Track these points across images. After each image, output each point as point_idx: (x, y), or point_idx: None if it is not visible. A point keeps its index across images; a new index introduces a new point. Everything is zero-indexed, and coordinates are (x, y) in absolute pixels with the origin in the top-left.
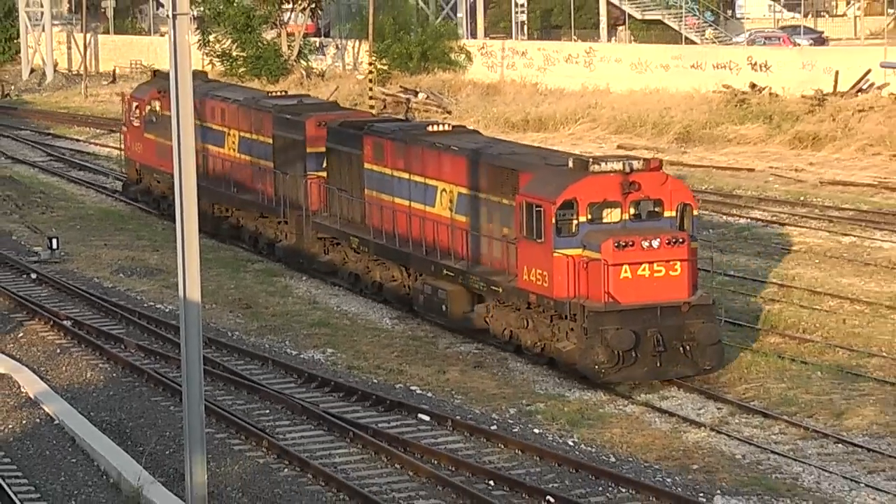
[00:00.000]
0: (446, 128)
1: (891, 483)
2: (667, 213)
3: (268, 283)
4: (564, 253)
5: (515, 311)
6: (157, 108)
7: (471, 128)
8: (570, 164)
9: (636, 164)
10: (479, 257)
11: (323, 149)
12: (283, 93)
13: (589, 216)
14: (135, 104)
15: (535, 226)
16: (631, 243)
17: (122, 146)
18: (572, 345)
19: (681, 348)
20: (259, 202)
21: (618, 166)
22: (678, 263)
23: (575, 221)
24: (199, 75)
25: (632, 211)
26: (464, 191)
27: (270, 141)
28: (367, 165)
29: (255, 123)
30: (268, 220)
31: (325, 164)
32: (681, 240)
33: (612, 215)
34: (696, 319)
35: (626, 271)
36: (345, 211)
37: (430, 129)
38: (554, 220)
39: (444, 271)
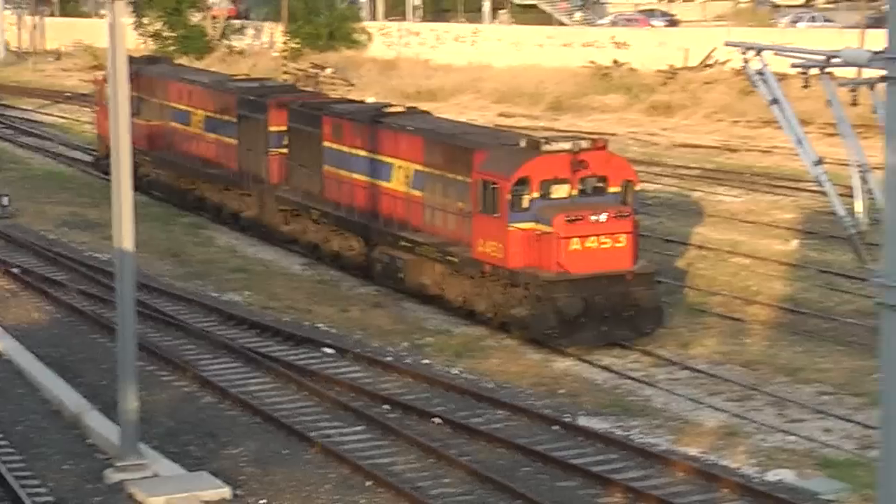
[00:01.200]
0: (401, 109)
1: (728, 403)
2: (611, 189)
3: (193, 235)
4: (518, 227)
5: (470, 280)
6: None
7: (422, 109)
8: (523, 144)
9: (584, 144)
10: (434, 229)
11: (284, 127)
12: (246, 76)
13: (540, 192)
14: (106, 85)
15: (490, 201)
16: (580, 217)
17: (95, 124)
18: (525, 311)
19: (624, 313)
20: (224, 176)
21: (567, 146)
22: (623, 236)
23: (528, 197)
24: (165, 60)
25: (580, 187)
26: (420, 167)
27: (235, 120)
28: (325, 143)
29: (220, 104)
30: (231, 193)
31: (285, 142)
32: (626, 214)
33: (561, 191)
34: (639, 287)
35: (575, 243)
36: (305, 185)
37: (385, 110)
38: (509, 196)
39: (402, 242)
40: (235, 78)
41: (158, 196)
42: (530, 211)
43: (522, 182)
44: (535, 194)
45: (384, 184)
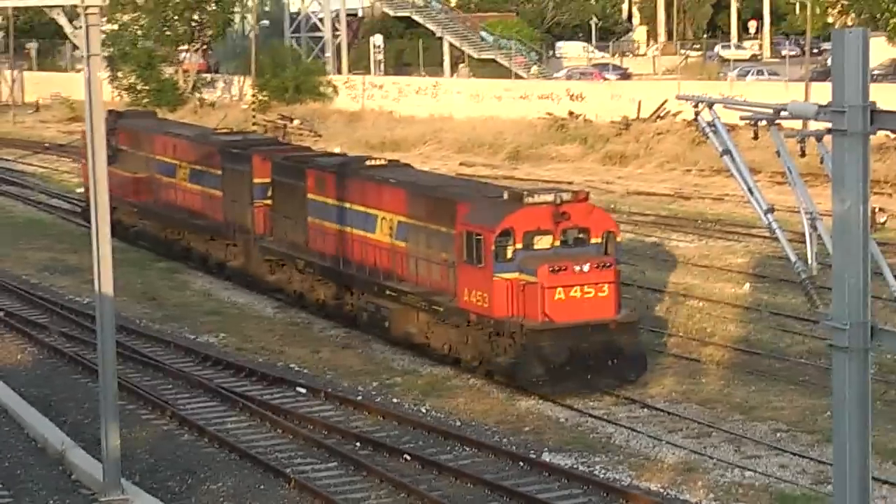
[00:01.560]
0: (382, 162)
1: (686, 440)
2: (593, 240)
3: (169, 279)
4: (503, 277)
5: (455, 329)
6: (112, 143)
7: (403, 162)
8: (506, 197)
9: (565, 196)
10: (418, 279)
11: (268, 179)
12: (230, 129)
13: (524, 243)
14: None
15: (475, 252)
16: (564, 268)
17: (82, 177)
18: (511, 359)
19: (609, 361)
20: (209, 227)
21: (549, 198)
22: (606, 285)
23: (511, 248)
24: (149, 115)
25: (562, 238)
26: (403, 219)
27: (219, 172)
28: (310, 196)
29: (205, 157)
30: (217, 243)
31: (269, 194)
32: (608, 264)
33: (544, 242)
34: (623, 335)
35: (559, 293)
36: (290, 235)
37: (367, 163)
38: (493, 248)
39: (387, 291)
40: (218, 131)
41: (144, 246)
42: (514, 261)
43: (506, 233)
44: (519, 245)
45: (369, 235)
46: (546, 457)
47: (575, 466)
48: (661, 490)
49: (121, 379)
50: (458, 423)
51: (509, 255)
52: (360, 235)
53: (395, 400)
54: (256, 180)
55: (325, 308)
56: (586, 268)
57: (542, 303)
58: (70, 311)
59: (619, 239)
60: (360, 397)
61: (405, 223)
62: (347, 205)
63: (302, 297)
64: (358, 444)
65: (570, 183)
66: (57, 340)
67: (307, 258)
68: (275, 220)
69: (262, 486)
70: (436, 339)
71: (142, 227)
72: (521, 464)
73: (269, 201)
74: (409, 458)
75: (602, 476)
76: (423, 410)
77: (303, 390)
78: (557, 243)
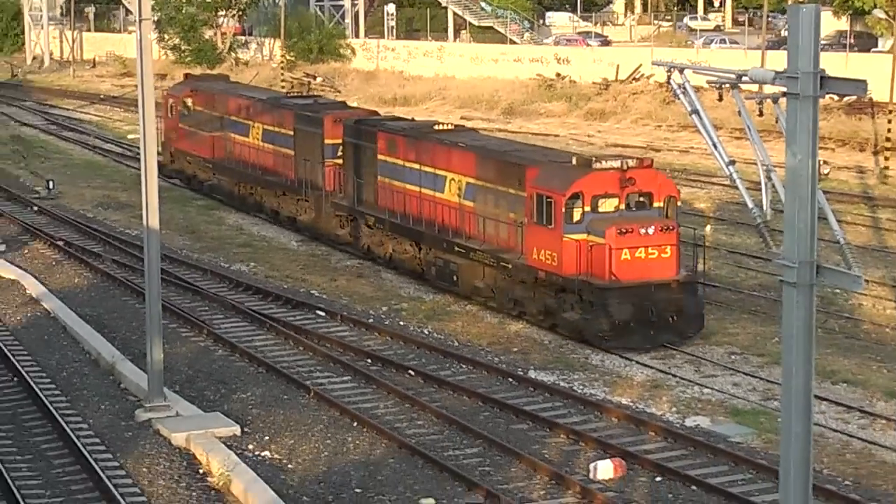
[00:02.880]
0: (450, 126)
1: (653, 361)
2: (655, 204)
3: (206, 216)
4: (572, 237)
5: (521, 284)
6: (190, 104)
7: (468, 126)
8: (574, 162)
9: (631, 162)
10: (485, 237)
11: (338, 140)
12: (299, 94)
13: (591, 206)
14: (171, 100)
15: (545, 214)
16: (630, 230)
17: (161, 134)
18: (577, 315)
19: (670, 318)
20: (281, 183)
21: (616, 164)
22: (669, 247)
23: (580, 210)
24: (223, 78)
25: (627, 202)
26: (472, 180)
27: (292, 133)
28: (380, 157)
29: (278, 118)
30: (288, 198)
31: (339, 154)
32: (671, 227)
33: (609, 205)
34: (683, 294)
35: (626, 254)
36: (360, 193)
37: (436, 127)
38: (563, 210)
39: (456, 248)
40: (290, 95)
41: (220, 199)
42: (582, 223)
43: (575, 196)
44: (587, 208)
45: (438, 194)
46: (532, 374)
47: (557, 382)
48: (631, 403)
49: (164, 301)
50: (456, 344)
51: (578, 217)
52: (429, 195)
53: (401, 323)
54: (328, 141)
55: (393, 261)
56: (651, 230)
57: (609, 263)
58: (121, 242)
59: (679, 203)
60: (371, 320)
61: (474, 184)
62: (417, 166)
63: (370, 250)
64: (369, 360)
65: (556, 136)
66: (109, 267)
67: (377, 215)
68: (345, 178)
69: (285, 396)
70: (501, 294)
71: (216, 181)
72: (510, 380)
73: (339, 160)
74: (413, 373)
75: (580, 391)
76: (426, 332)
77: (321, 313)
78: (623, 207)
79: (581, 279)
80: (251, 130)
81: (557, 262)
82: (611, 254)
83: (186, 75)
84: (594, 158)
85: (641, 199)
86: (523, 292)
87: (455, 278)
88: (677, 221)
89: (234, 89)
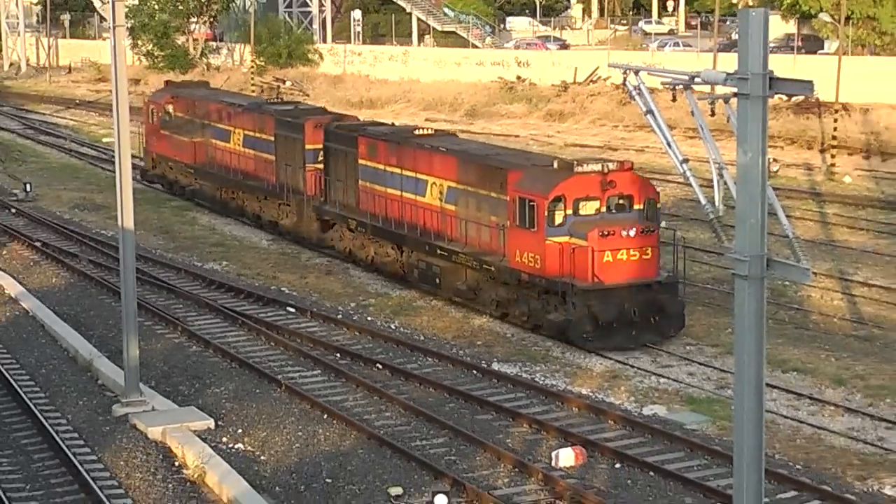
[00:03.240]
0: (430, 131)
1: (612, 352)
2: (636, 206)
3: (180, 216)
4: (555, 240)
5: (504, 286)
6: (171, 110)
7: (449, 132)
8: (555, 165)
9: (611, 166)
10: (467, 240)
11: (318, 146)
12: (280, 100)
13: (573, 209)
14: (152, 106)
15: (527, 217)
16: (612, 232)
17: (143, 140)
18: (562, 317)
19: (651, 318)
20: (262, 188)
21: (597, 167)
22: (649, 249)
23: (562, 213)
24: (202, 84)
25: (607, 204)
26: (453, 184)
27: (272, 139)
28: (361, 161)
29: (259, 124)
30: (269, 203)
31: (320, 158)
32: (651, 229)
33: (591, 208)
34: (665, 294)
35: (608, 256)
36: (341, 197)
37: (417, 132)
38: (546, 213)
39: (438, 251)
40: (271, 101)
41: (201, 203)
42: (564, 226)
43: (558, 199)
44: (569, 211)
45: (419, 198)
46: (495, 366)
47: (519, 374)
48: (591, 393)
49: (139, 299)
50: (422, 338)
51: (560, 220)
52: (411, 199)
53: (369, 318)
54: (308, 146)
55: (374, 264)
56: (632, 233)
57: (592, 265)
58: (97, 242)
59: (658, 205)
60: (340, 316)
61: (455, 188)
62: (398, 170)
63: (351, 253)
64: (338, 354)
65: (517, 136)
66: (86, 267)
67: (358, 218)
68: (327, 182)
69: (257, 390)
70: (484, 295)
71: (197, 186)
72: (475, 372)
73: (320, 165)
74: (381, 366)
75: (542, 382)
76: (393, 327)
77: (292, 310)
78: (603, 209)
79: (565, 281)
80: (232, 136)
81: (541, 264)
82: (593, 256)
83: (167, 82)
84: (575, 162)
85: (622, 201)
86: (506, 294)
87: (438, 281)
88: (657, 223)
89: (214, 96)
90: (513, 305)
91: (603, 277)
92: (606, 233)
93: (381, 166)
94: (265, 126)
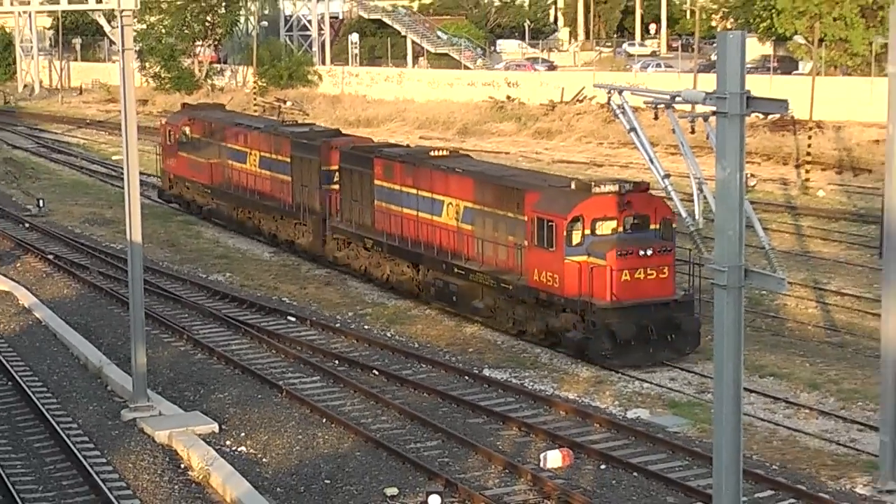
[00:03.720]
0: (445, 153)
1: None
2: (651, 226)
3: (186, 230)
4: (573, 259)
5: (521, 304)
6: (188, 132)
7: (462, 153)
8: (573, 186)
9: (628, 186)
10: (484, 259)
11: (334, 166)
12: (294, 122)
13: (591, 229)
14: (169, 129)
15: (546, 237)
16: (630, 252)
17: (160, 161)
18: (580, 334)
19: (668, 336)
20: (280, 208)
21: (614, 188)
22: (666, 268)
23: (580, 233)
24: (218, 107)
25: (624, 225)
26: (470, 205)
27: (288, 160)
28: (377, 182)
29: (275, 146)
30: (285, 222)
31: (336, 179)
32: (668, 248)
33: (608, 228)
34: (681, 312)
35: (626, 275)
36: (357, 217)
37: (432, 153)
38: (565, 233)
39: (455, 269)
40: (286, 123)
41: (217, 223)
42: (582, 246)
43: (577, 220)
44: (587, 231)
45: (435, 218)
46: (486, 372)
47: (509, 380)
48: (577, 398)
49: (147, 309)
50: (417, 345)
51: (578, 239)
52: (427, 218)
53: (366, 326)
54: (324, 167)
55: (390, 283)
56: (650, 252)
57: (610, 284)
58: (106, 255)
59: (675, 225)
60: (338, 324)
61: (472, 208)
62: (414, 191)
63: (367, 271)
64: (336, 361)
65: (507, 153)
66: (96, 278)
67: (375, 238)
68: (342, 202)
69: (259, 396)
70: (500, 313)
71: (214, 206)
72: (467, 378)
73: (335, 186)
74: (377, 372)
75: (531, 387)
76: (389, 335)
77: (292, 319)
78: (620, 229)
79: (583, 300)
80: (249, 157)
81: (559, 283)
82: (612, 275)
83: (184, 104)
84: (593, 183)
85: (638, 221)
86: (524, 312)
87: (454, 299)
88: (673, 242)
89: (230, 118)
90: (530, 323)
91: (621, 296)
92: (625, 252)
93: (397, 187)
94: (281, 148)
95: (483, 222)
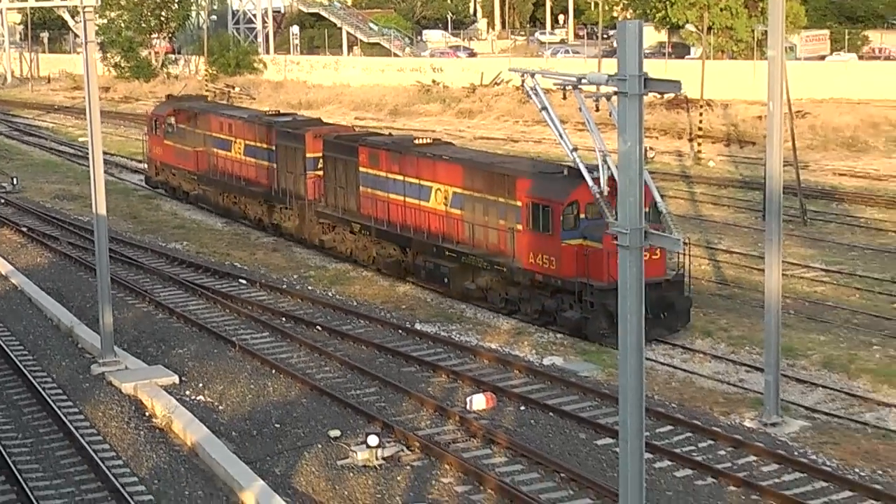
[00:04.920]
0: (429, 140)
1: (517, 314)
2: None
3: (146, 204)
4: (569, 243)
5: (515, 286)
6: (173, 122)
7: (445, 140)
8: (566, 172)
9: None
10: (475, 242)
11: (318, 154)
12: (277, 112)
13: (586, 213)
14: (154, 119)
15: (542, 221)
16: None
17: (146, 149)
18: (578, 314)
19: (661, 314)
20: (265, 193)
21: (606, 174)
22: (658, 249)
23: (575, 218)
24: (201, 98)
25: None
26: (459, 190)
27: (273, 148)
28: (362, 169)
29: (259, 134)
30: (271, 207)
31: (319, 166)
32: (658, 231)
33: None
34: (672, 291)
35: None
36: (343, 202)
37: (416, 141)
38: (562, 217)
39: (447, 252)
40: (270, 113)
41: (204, 207)
42: (577, 229)
43: (573, 204)
44: (582, 215)
45: (422, 203)
46: (418, 326)
47: (438, 333)
48: (499, 348)
49: (112, 275)
50: (355, 303)
51: (572, 223)
52: (414, 203)
53: (309, 287)
54: (309, 154)
55: (377, 263)
56: None
57: (607, 265)
58: (75, 227)
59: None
60: (284, 286)
61: (461, 194)
62: (401, 177)
63: (352, 253)
64: (284, 319)
65: (433, 131)
66: (65, 248)
67: (362, 222)
68: (327, 188)
69: (215, 350)
70: (493, 294)
71: (201, 192)
72: (400, 331)
73: (319, 172)
74: (320, 328)
75: (457, 339)
76: (330, 294)
77: (244, 281)
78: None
79: (581, 281)
80: (233, 145)
81: (556, 265)
82: (608, 257)
83: (168, 96)
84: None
85: None
86: (517, 293)
87: (446, 280)
88: (661, 225)
89: (215, 108)
90: (524, 303)
91: (617, 277)
92: None
93: (382, 173)
94: (266, 136)
95: (473, 207)
